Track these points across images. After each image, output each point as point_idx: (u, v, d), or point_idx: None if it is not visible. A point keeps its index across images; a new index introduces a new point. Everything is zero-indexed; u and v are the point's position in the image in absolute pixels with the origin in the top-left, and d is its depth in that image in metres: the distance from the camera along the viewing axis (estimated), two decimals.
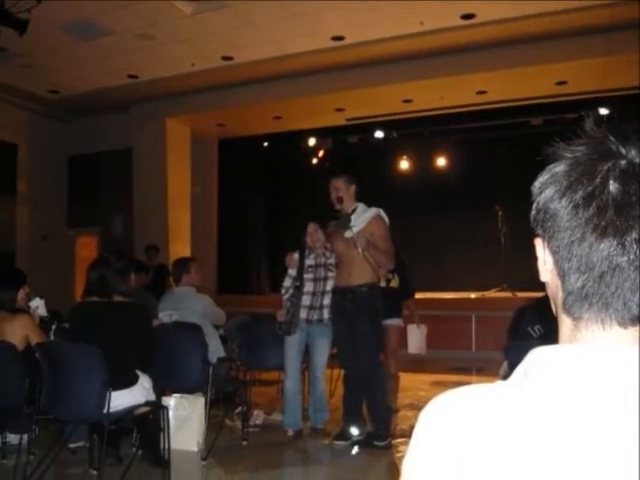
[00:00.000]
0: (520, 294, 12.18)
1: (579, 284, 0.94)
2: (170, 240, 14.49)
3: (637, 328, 0.92)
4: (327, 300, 6.65)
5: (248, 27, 10.62)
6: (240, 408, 7.24)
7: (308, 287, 6.67)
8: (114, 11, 9.90)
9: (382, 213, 6.42)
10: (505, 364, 4.64)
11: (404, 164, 16.83)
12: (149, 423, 5.60)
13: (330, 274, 6.68)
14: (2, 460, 5.84)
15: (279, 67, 12.43)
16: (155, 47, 11.49)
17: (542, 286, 1.06)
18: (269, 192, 18.29)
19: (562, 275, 0.96)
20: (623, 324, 0.92)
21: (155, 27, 10.61)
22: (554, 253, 0.97)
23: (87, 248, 15.87)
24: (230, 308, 8.60)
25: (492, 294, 13.43)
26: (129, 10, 9.90)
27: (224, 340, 7.39)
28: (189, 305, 7.07)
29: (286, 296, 6.79)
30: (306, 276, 6.68)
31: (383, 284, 7.17)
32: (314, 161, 17.26)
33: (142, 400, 5.23)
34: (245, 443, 6.55)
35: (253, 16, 10.20)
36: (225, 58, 12.11)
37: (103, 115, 15.30)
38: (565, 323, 0.98)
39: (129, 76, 13.07)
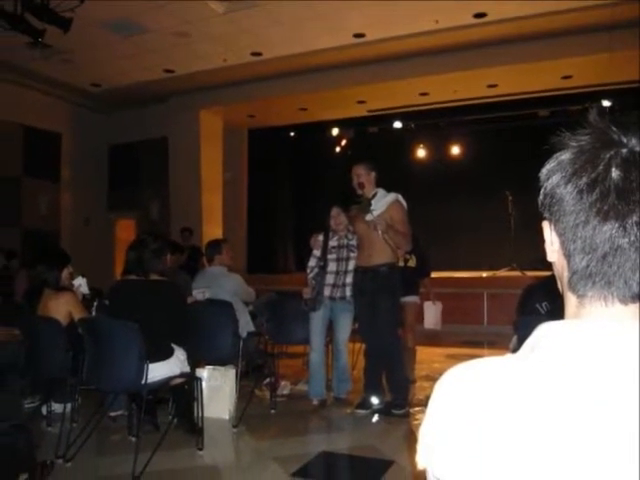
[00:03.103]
0: (528, 273, 12.22)
1: (583, 264, 0.94)
2: (203, 223, 14.57)
3: (637, 305, 0.93)
4: (349, 279, 6.63)
5: (276, 25, 10.63)
6: (268, 379, 7.26)
7: (332, 267, 6.67)
8: (152, 10, 9.95)
9: (400, 198, 6.38)
10: (515, 338, 4.62)
11: (421, 152, 16.97)
12: (184, 393, 5.62)
13: (352, 255, 6.66)
14: (47, 427, 5.87)
15: (305, 62, 12.43)
16: (190, 44, 11.52)
17: (549, 266, 1.06)
18: (295, 178, 18.33)
19: (568, 255, 0.97)
20: (624, 301, 0.92)
21: (190, 25, 10.64)
22: (560, 235, 0.98)
23: (126, 231, 15.94)
24: (259, 286, 8.63)
25: (502, 273, 13.44)
26: (166, 9, 9.94)
27: (253, 316, 7.39)
28: (221, 283, 7.06)
29: (311, 275, 6.80)
30: (330, 256, 6.69)
31: (401, 264, 7.17)
32: (337, 150, 17.39)
33: (177, 372, 5.23)
34: (273, 412, 6.57)
35: (280, 15, 10.21)
36: (254, 54, 12.12)
37: (141, 107, 15.35)
38: (570, 300, 0.99)
39: (165, 71, 13.11)
